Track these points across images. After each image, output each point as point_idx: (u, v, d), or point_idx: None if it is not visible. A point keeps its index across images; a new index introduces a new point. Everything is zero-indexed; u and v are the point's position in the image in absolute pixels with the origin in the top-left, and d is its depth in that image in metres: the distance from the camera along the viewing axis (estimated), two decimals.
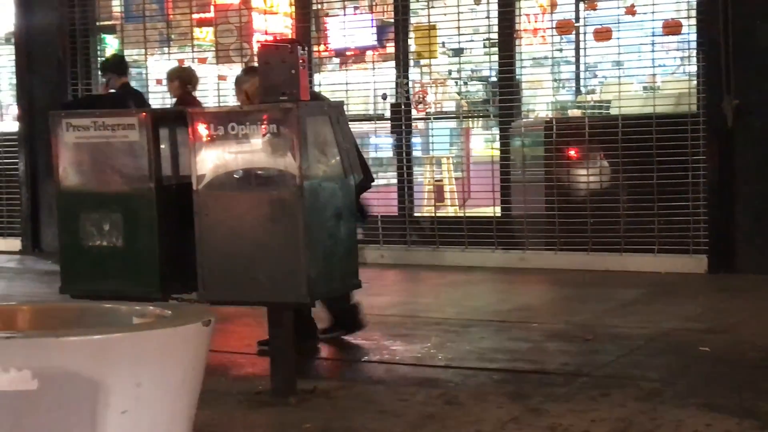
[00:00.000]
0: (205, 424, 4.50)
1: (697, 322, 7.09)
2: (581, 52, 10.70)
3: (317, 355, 6.53)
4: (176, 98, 9.28)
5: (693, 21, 9.39)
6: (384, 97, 10.68)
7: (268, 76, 5.26)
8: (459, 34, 10.45)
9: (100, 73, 10.52)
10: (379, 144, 11.09)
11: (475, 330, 7.03)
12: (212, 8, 11.46)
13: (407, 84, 10.55)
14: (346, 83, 10.69)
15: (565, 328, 6.97)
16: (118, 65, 9.88)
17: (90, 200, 5.53)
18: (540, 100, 10.79)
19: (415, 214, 10.70)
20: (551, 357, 6.20)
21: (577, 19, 10.42)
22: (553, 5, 10.12)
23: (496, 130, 10.55)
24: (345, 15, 11.00)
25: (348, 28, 11.05)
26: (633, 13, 9.58)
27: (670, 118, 9.38)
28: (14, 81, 12.37)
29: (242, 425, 4.96)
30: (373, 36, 11.17)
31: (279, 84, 5.21)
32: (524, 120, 10.39)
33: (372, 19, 11.19)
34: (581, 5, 10.27)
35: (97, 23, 11.98)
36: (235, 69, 9.74)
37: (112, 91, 9.51)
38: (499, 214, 10.11)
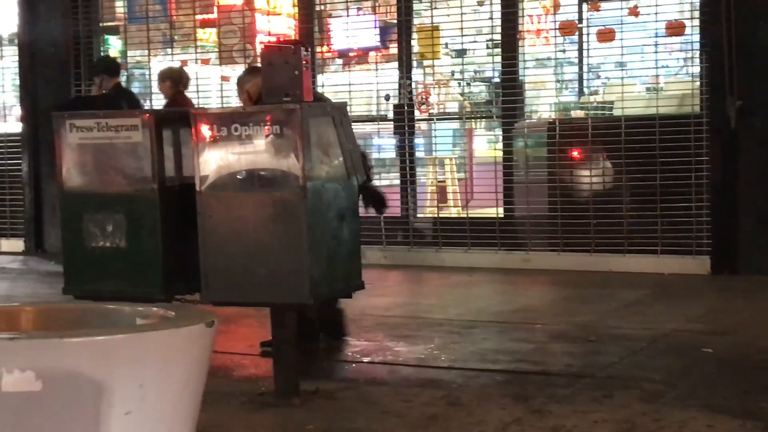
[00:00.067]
0: (208, 425, 4.49)
1: (699, 324, 7.09)
2: (584, 53, 10.70)
3: (320, 356, 6.53)
4: (168, 99, 9.30)
5: (696, 22, 9.38)
6: (387, 98, 10.68)
7: (271, 77, 5.26)
8: (462, 35, 10.43)
9: (90, 74, 10.55)
10: (382, 145, 11.10)
11: (477, 331, 7.03)
12: (215, 9, 11.47)
13: (410, 85, 10.55)
14: (349, 84, 10.69)
15: (567, 329, 6.96)
16: (110, 66, 9.91)
17: (93, 201, 5.53)
18: (543, 101, 10.79)
19: (418, 215, 10.70)
20: (554, 358, 6.20)
21: (580, 20, 10.42)
22: (556, 6, 10.13)
23: (499, 131, 10.54)
24: (348, 16, 11.00)
25: (351, 29, 11.05)
26: (636, 14, 9.57)
27: (673, 119, 9.37)
28: (17, 82, 12.37)
29: (245, 426, 4.96)
30: (376, 37, 11.17)
31: (282, 85, 5.21)
32: (527, 121, 10.39)
33: (375, 20, 11.18)
34: (584, 6, 10.27)
35: (101, 24, 11.98)
36: (238, 70, 9.72)
37: (104, 92, 9.52)
38: (502, 215, 10.10)
